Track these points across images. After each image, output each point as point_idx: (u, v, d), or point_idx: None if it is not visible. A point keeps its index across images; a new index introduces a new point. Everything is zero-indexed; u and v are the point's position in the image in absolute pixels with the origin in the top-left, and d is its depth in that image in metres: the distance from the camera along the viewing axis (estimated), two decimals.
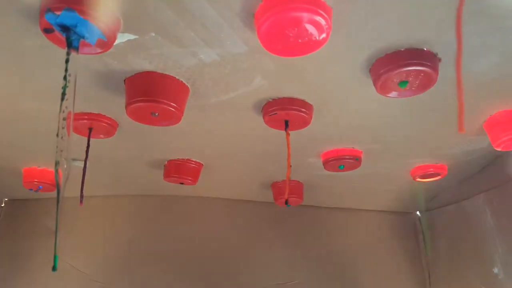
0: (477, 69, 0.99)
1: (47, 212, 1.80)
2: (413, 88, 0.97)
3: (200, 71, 0.98)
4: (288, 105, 1.11)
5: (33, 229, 1.84)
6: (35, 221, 1.86)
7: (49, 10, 0.71)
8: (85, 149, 1.19)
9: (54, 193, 0.74)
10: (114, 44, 0.83)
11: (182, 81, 1.02)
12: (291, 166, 1.15)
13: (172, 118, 1.04)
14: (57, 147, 0.72)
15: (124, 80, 1.01)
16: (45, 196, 1.67)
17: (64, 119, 0.73)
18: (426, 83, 0.96)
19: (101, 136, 1.24)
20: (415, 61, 0.91)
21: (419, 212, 2.21)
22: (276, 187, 1.77)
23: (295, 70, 1.00)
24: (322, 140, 1.40)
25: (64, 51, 0.75)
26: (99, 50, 0.82)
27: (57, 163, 0.71)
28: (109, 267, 1.82)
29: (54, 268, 0.72)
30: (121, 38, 0.85)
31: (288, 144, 1.14)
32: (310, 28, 0.76)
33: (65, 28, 0.73)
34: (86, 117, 1.16)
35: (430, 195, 2.00)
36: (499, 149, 1.24)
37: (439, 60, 0.95)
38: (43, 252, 1.73)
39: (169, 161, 1.53)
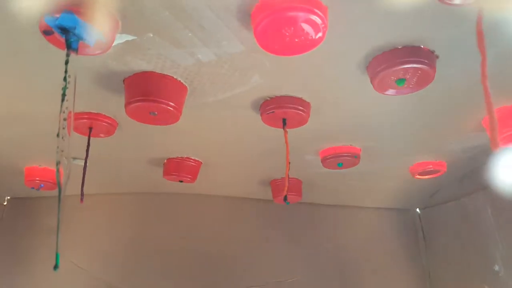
0: (476, 65, 0.99)
1: (48, 210, 1.81)
2: (410, 86, 0.98)
3: (198, 70, 0.99)
4: (286, 103, 1.11)
5: (35, 227, 1.85)
6: (36, 219, 1.87)
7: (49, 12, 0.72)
8: (86, 148, 1.21)
9: (55, 192, 0.75)
10: (113, 45, 0.83)
11: (180, 81, 1.03)
12: (289, 163, 1.16)
13: (171, 117, 1.05)
14: (57, 147, 0.73)
15: (123, 80, 1.02)
16: (46, 194, 1.68)
17: (64, 119, 0.74)
18: (424, 80, 0.96)
19: (101, 135, 1.25)
20: (412, 59, 0.91)
21: (419, 209, 2.21)
22: (275, 185, 1.77)
23: (292, 68, 1.00)
24: (320, 138, 1.40)
25: (63, 52, 0.76)
26: (98, 51, 0.83)
27: (58, 163, 0.72)
28: (110, 264, 1.84)
29: (55, 267, 0.72)
30: (120, 39, 0.85)
31: (286, 142, 1.15)
32: (307, 27, 0.77)
33: (64, 30, 0.74)
34: (86, 116, 1.17)
35: (429, 192, 2.01)
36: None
37: (437, 57, 0.95)
38: (44, 249, 1.74)
39: (168, 159, 1.54)
